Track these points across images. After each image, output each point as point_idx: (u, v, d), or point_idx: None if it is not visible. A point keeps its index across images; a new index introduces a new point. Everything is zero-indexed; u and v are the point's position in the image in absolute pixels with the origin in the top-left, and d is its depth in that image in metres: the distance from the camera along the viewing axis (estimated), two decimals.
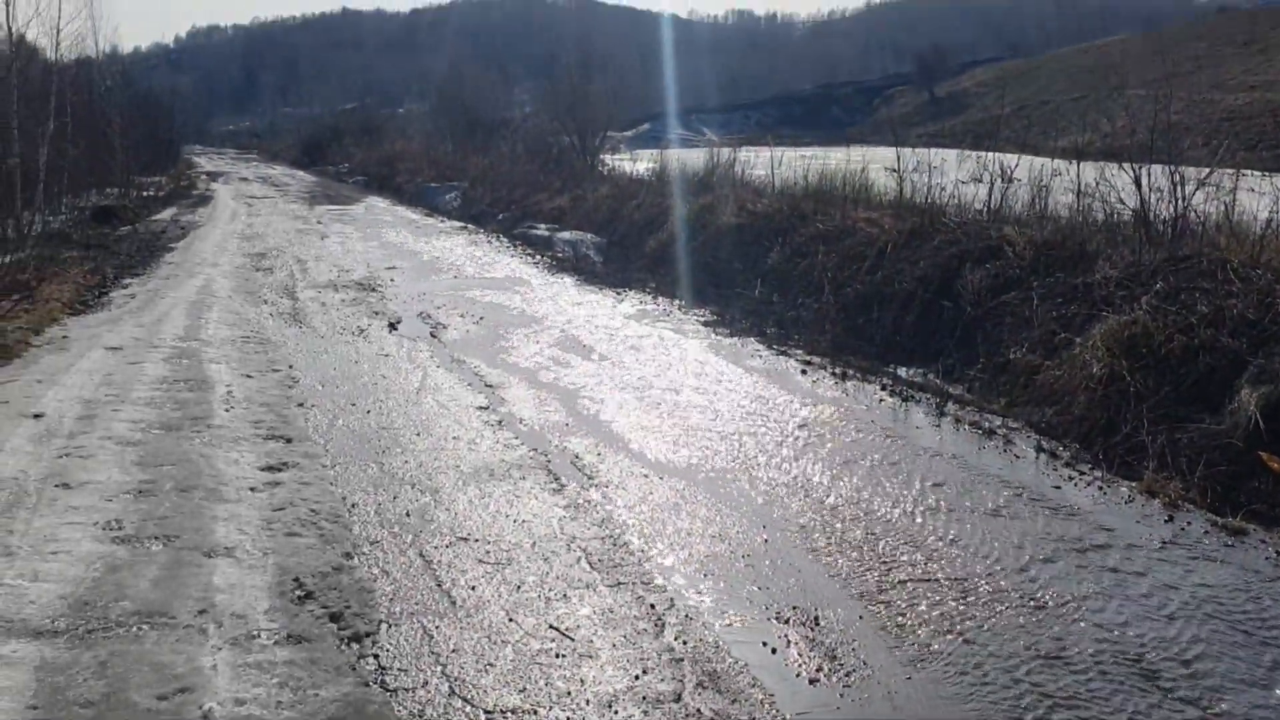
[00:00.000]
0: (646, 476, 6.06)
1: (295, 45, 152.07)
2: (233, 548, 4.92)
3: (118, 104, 30.35)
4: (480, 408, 7.55)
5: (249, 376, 8.47)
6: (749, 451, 6.52)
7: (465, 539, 5.09)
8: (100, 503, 5.44)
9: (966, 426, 7.09)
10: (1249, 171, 11.91)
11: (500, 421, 7.18)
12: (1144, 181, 9.85)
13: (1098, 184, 10.80)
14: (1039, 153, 19.58)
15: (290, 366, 8.86)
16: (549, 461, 6.30)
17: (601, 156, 27.85)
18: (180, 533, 5.08)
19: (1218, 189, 9.98)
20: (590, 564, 4.83)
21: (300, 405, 7.57)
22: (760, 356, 9.36)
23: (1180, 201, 9.50)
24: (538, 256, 16.94)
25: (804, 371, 8.74)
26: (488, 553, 4.93)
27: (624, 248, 16.68)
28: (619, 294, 13.04)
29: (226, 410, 7.36)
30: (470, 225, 22.41)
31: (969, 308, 9.04)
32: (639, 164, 25.21)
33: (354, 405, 7.59)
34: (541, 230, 19.19)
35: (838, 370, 8.71)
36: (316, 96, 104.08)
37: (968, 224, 10.76)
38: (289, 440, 6.69)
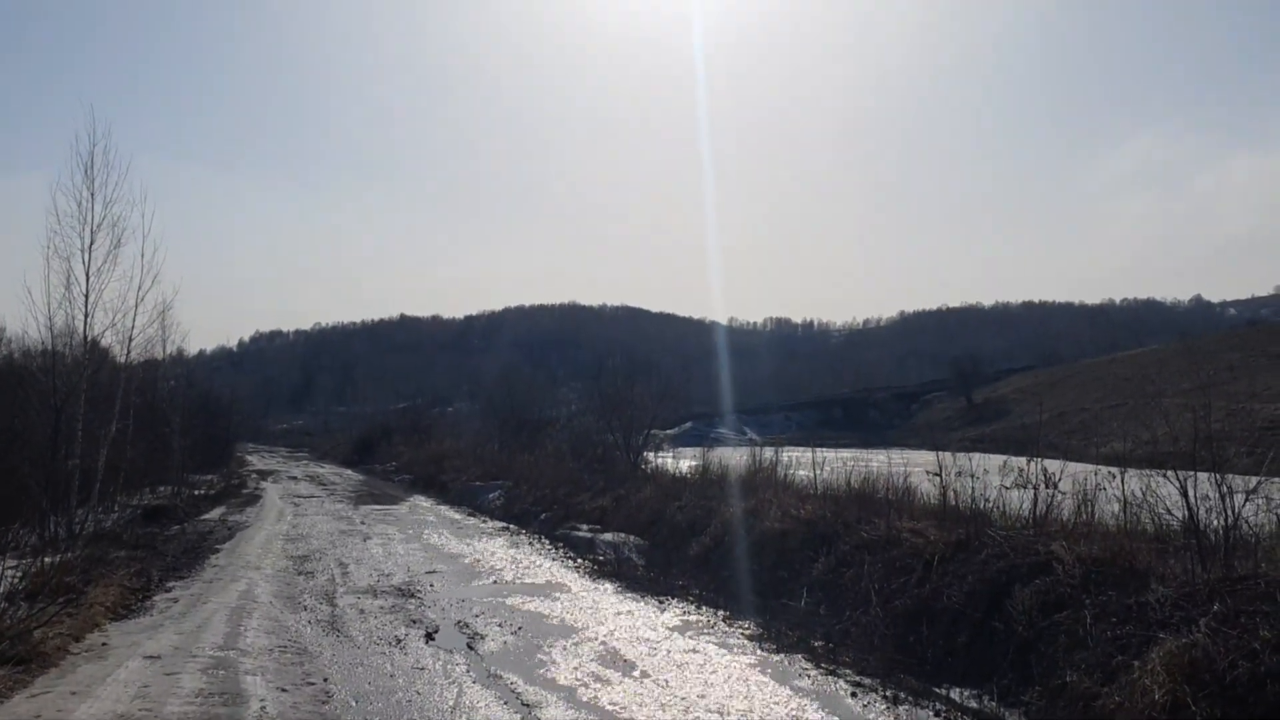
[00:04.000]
0: None
1: (353, 349, 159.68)
2: None
3: (179, 404, 31.65)
4: None
5: (284, 690, 8.30)
6: None
7: None
8: None
9: None
10: None
11: None
12: (1190, 492, 9.75)
13: (1143, 494, 10.74)
14: (1081, 459, 19.66)
15: (325, 680, 8.70)
16: None
17: (645, 454, 28.27)
18: None
19: (1267, 501, 9.87)
20: None
21: None
22: (809, 676, 9.05)
23: (1230, 513, 9.37)
24: (579, 560, 16.86)
25: (854, 694, 8.41)
26: None
27: (667, 551, 16.58)
28: (661, 602, 12.84)
29: None
30: (512, 525, 22.50)
31: (1020, 627, 8.78)
32: (682, 463, 25.54)
33: None
34: (584, 531, 19.21)
35: (889, 693, 8.37)
36: (370, 396, 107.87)
37: (1014, 537, 10.64)
38: None
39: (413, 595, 13.23)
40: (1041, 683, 8.01)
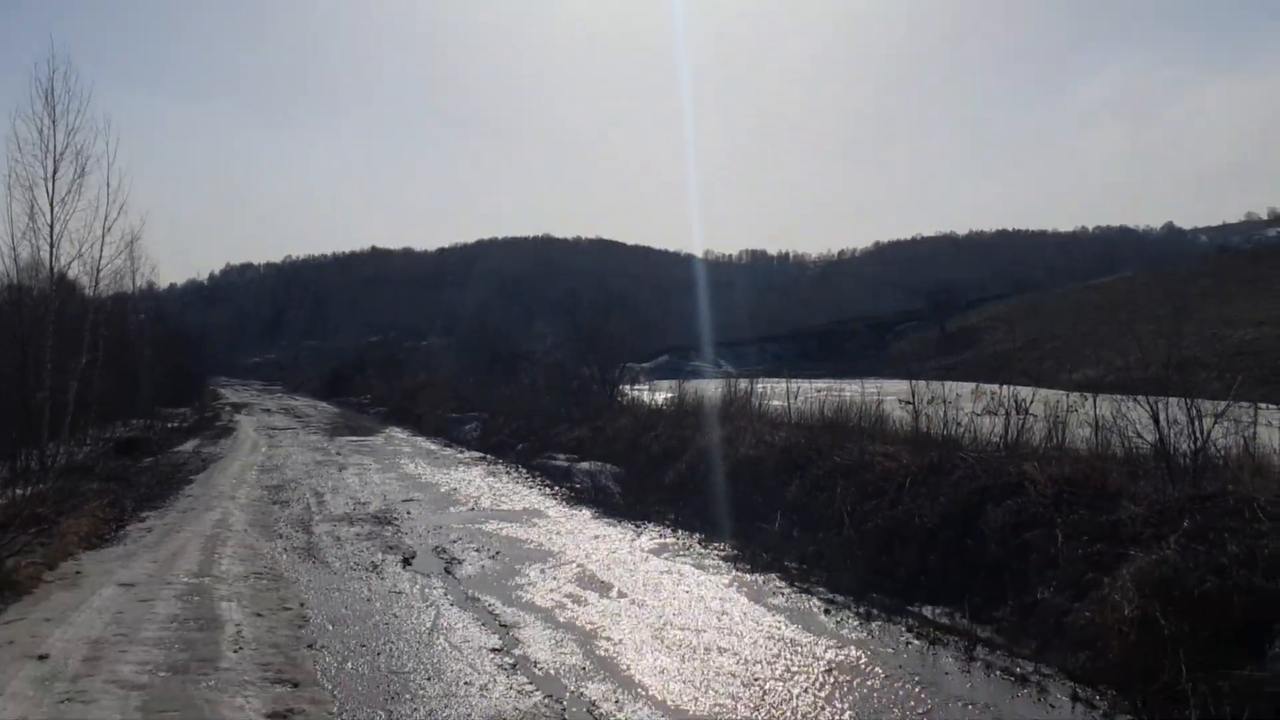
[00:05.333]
0: None
1: (324, 282, 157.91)
2: None
3: (149, 338, 31.28)
4: (494, 649, 7.34)
5: (259, 615, 8.30)
6: (773, 699, 6.25)
7: None
8: None
9: (998, 673, 6.82)
10: (1265, 405, 11.93)
11: (514, 665, 6.96)
12: (1161, 416, 9.82)
13: (1114, 418, 10.82)
14: (1053, 386, 19.80)
15: (301, 605, 8.70)
16: (564, 709, 6.05)
17: (621, 387, 28.24)
18: None
19: (1235, 423, 9.97)
20: None
21: (310, 646, 7.38)
22: (783, 594, 9.15)
23: (1199, 436, 9.46)
24: (556, 488, 16.92)
25: (827, 611, 8.51)
26: None
27: (643, 479, 16.64)
28: (638, 527, 12.92)
29: (235, 651, 7.17)
30: (489, 456, 22.53)
31: (993, 546, 8.88)
32: (658, 395, 25.54)
33: (364, 646, 7.39)
34: (560, 461, 19.26)
35: (862, 610, 8.48)
36: (342, 330, 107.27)
37: (986, 459, 10.72)
38: (296, 685, 6.47)
39: (389, 522, 13.24)
40: (1013, 600, 8.12)
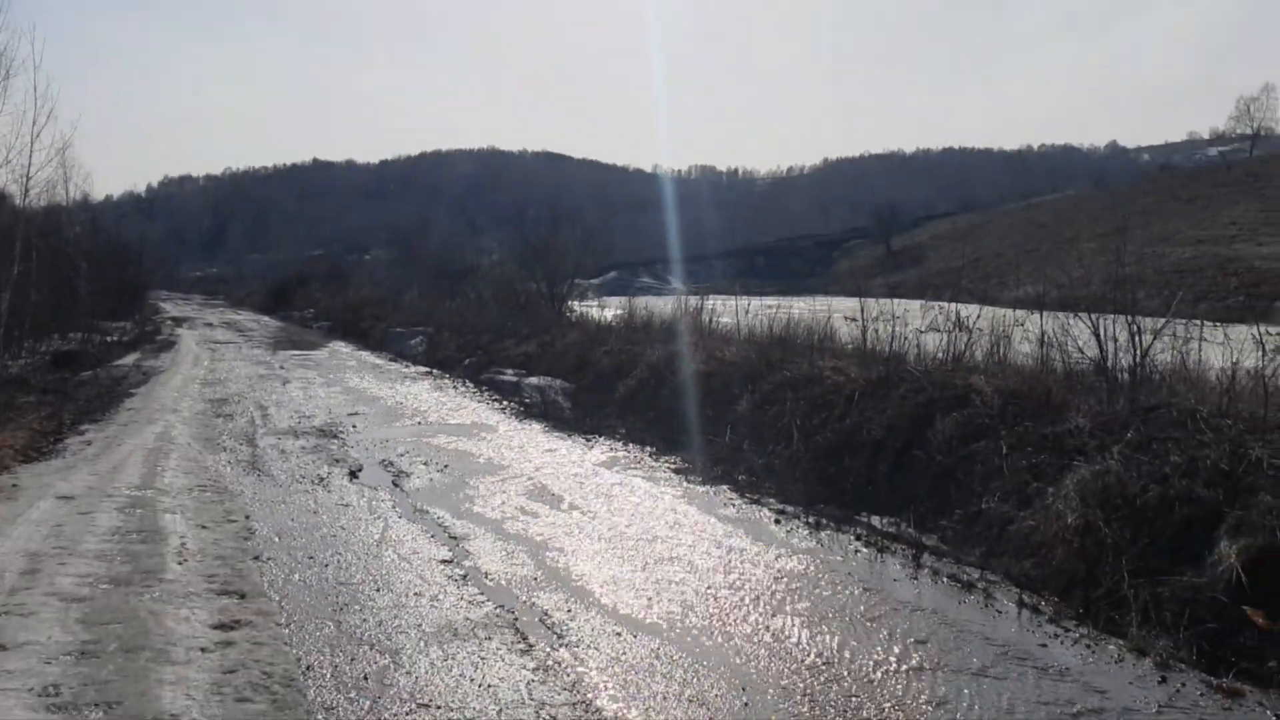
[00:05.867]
0: (619, 634, 5.82)
1: (265, 194, 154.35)
2: (179, 715, 4.60)
3: (85, 250, 30.41)
4: (444, 561, 7.31)
5: (204, 527, 8.18)
6: (725, 606, 6.30)
7: (426, 705, 4.80)
8: (38, 666, 5.12)
9: (945, 579, 6.93)
10: (1205, 323, 12.14)
11: (465, 576, 6.93)
12: (1102, 332, 9.97)
13: (1055, 334, 10.94)
14: (997, 303, 20.01)
15: (247, 517, 8.59)
16: (516, 619, 6.05)
17: (569, 302, 28.10)
18: (123, 699, 4.76)
19: (1174, 338, 10.14)
20: None
21: (256, 559, 7.29)
22: (733, 505, 9.21)
23: (1138, 352, 9.61)
24: (505, 402, 16.84)
25: (777, 521, 8.59)
26: None
27: (593, 393, 16.60)
28: (589, 440, 12.91)
29: (179, 564, 7.06)
30: (436, 370, 22.35)
31: (939, 456, 8.98)
32: (607, 311, 25.45)
33: (311, 559, 7.31)
34: (509, 376, 19.14)
35: (811, 520, 8.57)
36: (285, 243, 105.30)
37: (933, 373, 10.80)
38: (243, 596, 6.39)
39: (335, 436, 13.09)
40: (960, 509, 8.24)
